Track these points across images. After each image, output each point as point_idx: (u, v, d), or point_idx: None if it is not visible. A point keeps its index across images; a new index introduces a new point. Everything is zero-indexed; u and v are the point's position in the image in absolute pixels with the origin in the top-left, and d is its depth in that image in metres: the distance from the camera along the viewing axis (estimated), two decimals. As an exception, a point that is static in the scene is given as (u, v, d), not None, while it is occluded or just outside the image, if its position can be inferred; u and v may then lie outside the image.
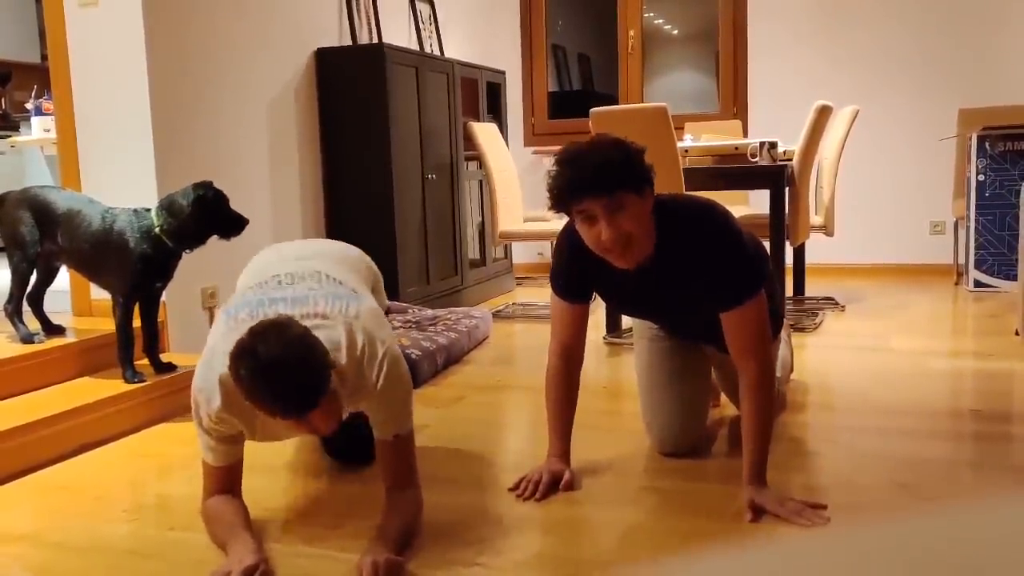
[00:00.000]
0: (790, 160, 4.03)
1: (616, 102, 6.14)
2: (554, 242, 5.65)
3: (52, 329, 3.10)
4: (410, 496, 1.97)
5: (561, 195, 1.90)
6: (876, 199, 5.64)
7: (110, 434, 2.72)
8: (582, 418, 2.65)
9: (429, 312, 4.05)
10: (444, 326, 3.81)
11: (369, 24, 4.85)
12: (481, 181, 5.34)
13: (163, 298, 3.15)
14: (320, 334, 1.79)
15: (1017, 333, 3.69)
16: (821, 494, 2.09)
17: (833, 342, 3.80)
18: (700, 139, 4.40)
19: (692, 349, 2.45)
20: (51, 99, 3.67)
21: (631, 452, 2.45)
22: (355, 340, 1.87)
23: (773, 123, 5.55)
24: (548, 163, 6.41)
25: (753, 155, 3.95)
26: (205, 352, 1.93)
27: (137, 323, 2.92)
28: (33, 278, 3.04)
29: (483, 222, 5.47)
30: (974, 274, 4.86)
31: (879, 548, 0.29)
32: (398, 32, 5.12)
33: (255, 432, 1.92)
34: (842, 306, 4.58)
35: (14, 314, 3.00)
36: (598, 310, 4.11)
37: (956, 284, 5.15)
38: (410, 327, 3.76)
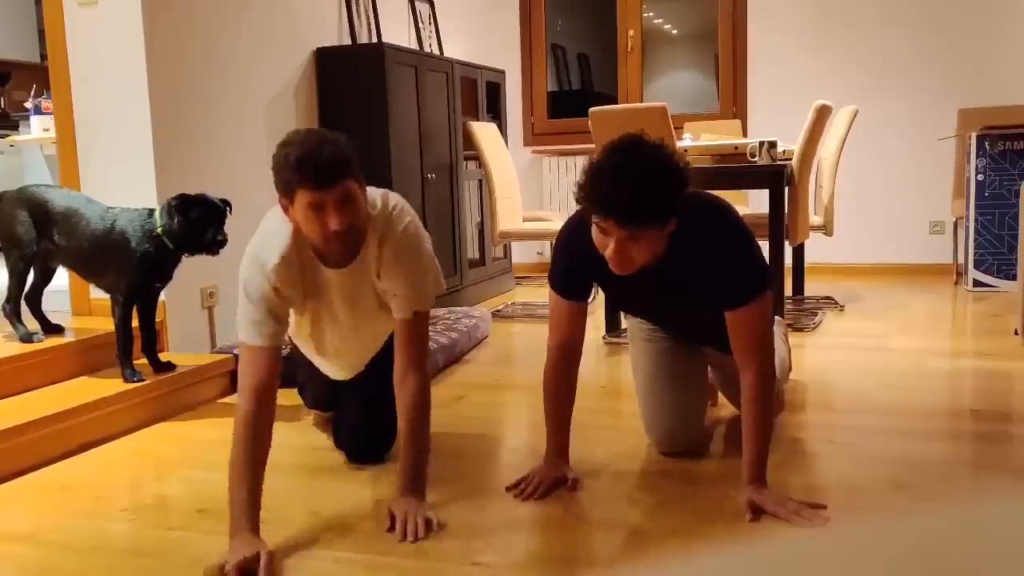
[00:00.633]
0: (789, 160, 4.02)
1: (615, 102, 6.14)
2: (553, 242, 5.64)
3: (51, 328, 3.10)
4: (420, 399, 2.05)
5: (590, 202, 1.87)
6: (875, 199, 5.64)
7: (109, 433, 2.72)
8: (581, 417, 2.65)
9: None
10: (444, 326, 3.81)
11: (369, 24, 4.85)
12: (480, 181, 5.34)
13: (162, 298, 3.15)
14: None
15: (1016, 333, 3.69)
16: (820, 494, 2.09)
17: (832, 342, 3.80)
18: (699, 139, 4.40)
19: (689, 349, 2.45)
20: (50, 98, 3.67)
21: (630, 451, 2.45)
22: (390, 200, 2.08)
23: (772, 123, 5.55)
24: (548, 163, 6.39)
25: (752, 155, 3.94)
26: (258, 235, 2.05)
27: (136, 323, 2.92)
28: (31, 278, 3.04)
29: (482, 221, 5.47)
30: (973, 274, 4.86)
31: (878, 547, 0.29)
32: (398, 32, 5.11)
33: (304, 295, 2.07)
34: (841, 306, 4.58)
35: (13, 314, 3.00)
36: (598, 310, 4.11)
37: (955, 284, 5.16)
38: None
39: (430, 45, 5.42)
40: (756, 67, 5.80)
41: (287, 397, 2.74)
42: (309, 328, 2.26)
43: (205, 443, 2.69)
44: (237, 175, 3.73)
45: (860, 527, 0.31)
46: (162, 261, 2.82)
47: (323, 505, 2.15)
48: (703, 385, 2.52)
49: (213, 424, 2.87)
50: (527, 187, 6.02)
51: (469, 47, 5.93)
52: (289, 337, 2.35)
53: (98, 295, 3.36)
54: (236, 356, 3.24)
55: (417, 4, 5.31)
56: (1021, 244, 3.60)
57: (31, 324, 3.05)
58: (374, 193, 2.08)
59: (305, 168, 1.87)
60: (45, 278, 3.11)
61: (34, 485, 2.37)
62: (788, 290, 4.56)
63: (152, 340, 2.98)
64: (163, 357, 3.03)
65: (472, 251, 5.37)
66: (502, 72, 5.72)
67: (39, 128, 4.87)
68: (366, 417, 2.43)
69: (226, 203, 2.83)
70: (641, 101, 6.07)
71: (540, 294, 5.35)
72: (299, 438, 2.68)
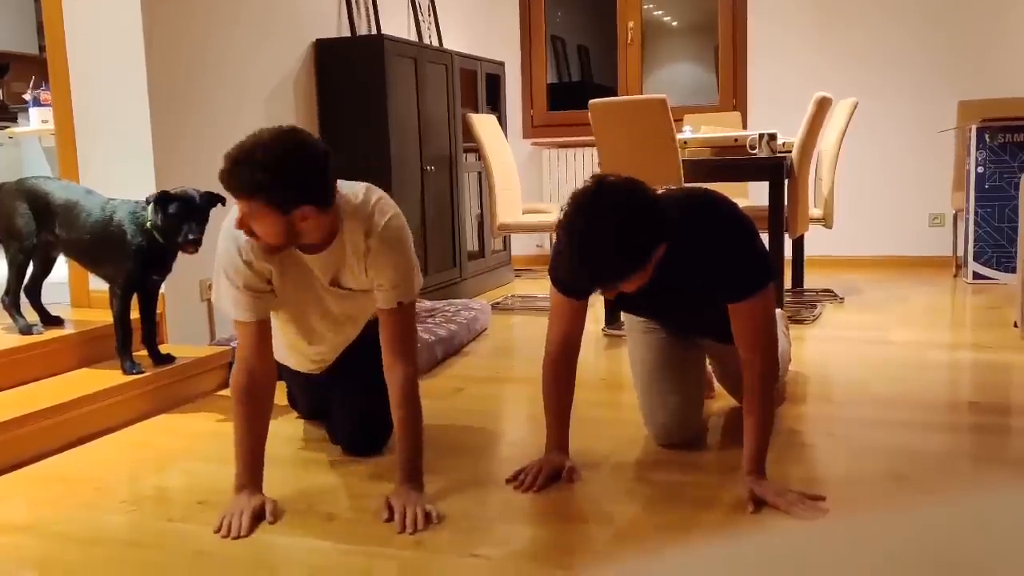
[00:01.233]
0: (789, 152, 4.02)
1: (615, 94, 6.13)
2: (553, 235, 5.64)
3: (50, 320, 3.10)
4: (409, 390, 2.06)
5: (567, 292, 2.07)
6: (875, 191, 5.64)
7: (109, 425, 2.73)
8: (580, 410, 2.66)
9: (427, 304, 4.05)
10: (443, 318, 3.81)
11: (368, 15, 4.84)
12: (480, 173, 5.34)
13: (162, 290, 3.15)
14: (343, 184, 2.05)
15: (1016, 325, 3.69)
16: (819, 486, 2.09)
17: (832, 334, 3.80)
18: (699, 131, 4.39)
19: (686, 341, 2.45)
20: (49, 90, 3.66)
21: (629, 443, 2.45)
22: (372, 194, 2.09)
23: (772, 115, 5.55)
24: (548, 155, 6.39)
25: (752, 147, 3.94)
26: (233, 209, 2.01)
27: (136, 315, 2.92)
28: (30, 270, 3.04)
29: (482, 214, 5.47)
30: (973, 266, 4.86)
31: (876, 538, 0.29)
32: (397, 23, 5.10)
33: (282, 269, 2.08)
34: (841, 298, 4.58)
35: (12, 306, 2.99)
36: (597, 302, 4.11)
37: (955, 276, 5.16)
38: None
39: (429, 37, 5.41)
40: (756, 59, 5.79)
41: (281, 388, 2.75)
42: (293, 310, 2.27)
43: (205, 435, 2.69)
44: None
45: (858, 518, 0.31)
46: (158, 254, 2.80)
47: (320, 497, 2.15)
48: (701, 377, 2.52)
49: (212, 416, 2.88)
50: (526, 179, 6.02)
51: (469, 39, 5.92)
52: None
53: (97, 287, 3.36)
54: (235, 348, 3.24)
55: (416, -4, 5.29)
56: (1021, 237, 3.60)
57: (30, 316, 3.05)
58: (355, 186, 2.11)
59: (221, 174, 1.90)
60: (45, 270, 3.11)
61: (34, 477, 2.37)
62: (788, 282, 4.56)
63: (152, 332, 2.98)
64: (163, 349, 3.03)
65: (471, 243, 5.37)
66: (502, 64, 5.71)
67: (38, 120, 4.86)
68: (360, 411, 2.43)
69: (212, 197, 2.75)
70: (641, 93, 6.06)
71: (539, 286, 5.35)
72: (294, 430, 2.68)
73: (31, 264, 3.01)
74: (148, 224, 2.74)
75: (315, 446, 2.53)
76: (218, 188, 2.07)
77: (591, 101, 3.81)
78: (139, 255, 2.77)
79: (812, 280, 4.98)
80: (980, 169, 4.79)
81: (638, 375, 2.48)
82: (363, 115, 4.27)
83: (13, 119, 6.35)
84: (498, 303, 4.79)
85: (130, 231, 2.76)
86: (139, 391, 2.85)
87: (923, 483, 2.11)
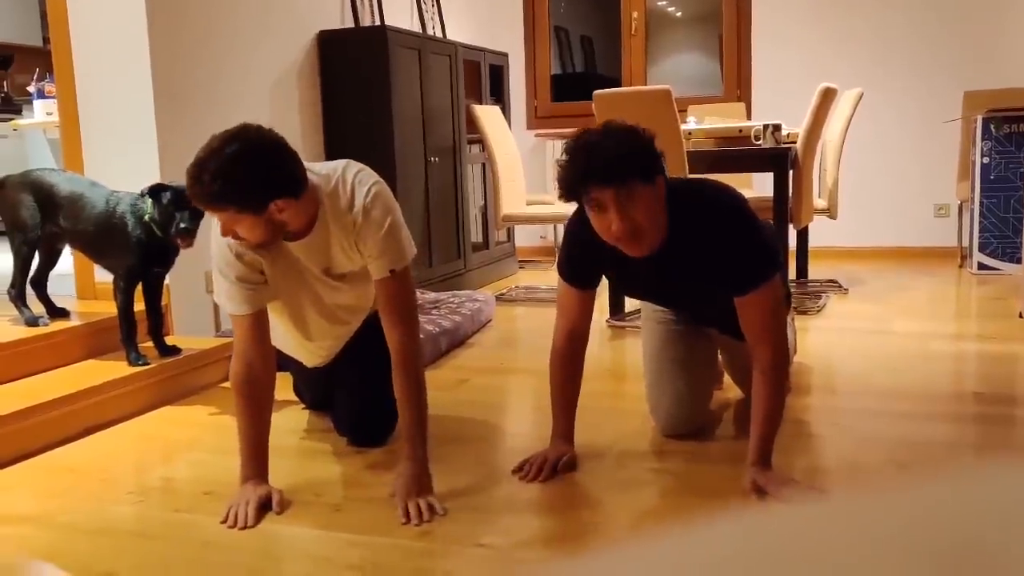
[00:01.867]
0: (794, 143, 4.01)
1: (619, 84, 6.11)
2: (556, 226, 5.64)
3: (56, 312, 3.11)
4: (407, 354, 2.05)
5: (572, 184, 1.90)
6: (880, 182, 5.62)
7: (115, 416, 2.74)
8: (586, 400, 2.66)
9: (432, 295, 4.06)
10: (447, 309, 3.81)
11: (371, 6, 4.83)
12: (484, 164, 5.33)
13: (167, 281, 3.15)
14: (317, 167, 2.06)
15: (1021, 316, 3.69)
16: (822, 476, 2.10)
17: (836, 325, 3.80)
18: (704, 122, 4.39)
19: (699, 333, 2.45)
20: (53, 82, 3.66)
21: (635, 434, 2.45)
22: (351, 170, 2.09)
23: (777, 106, 5.53)
24: (551, 146, 6.38)
25: (757, 138, 3.93)
26: None
27: (141, 307, 2.93)
28: (36, 261, 3.04)
29: (486, 205, 5.46)
30: (978, 257, 4.86)
31: (875, 518, 0.29)
32: (400, 14, 5.09)
33: (272, 260, 2.08)
34: (845, 289, 4.57)
35: (18, 298, 3.00)
36: (602, 293, 4.10)
37: (960, 267, 5.15)
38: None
39: (433, 28, 5.40)
40: (760, 50, 5.78)
41: (285, 380, 2.75)
42: (288, 303, 2.27)
43: (211, 426, 2.70)
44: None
45: (857, 499, 0.31)
46: (158, 246, 2.80)
47: (326, 487, 2.16)
48: (710, 369, 2.53)
49: (218, 407, 2.88)
50: (530, 171, 6.01)
51: (472, 30, 5.91)
52: None
53: (102, 278, 3.36)
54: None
55: (420, -14, 5.28)
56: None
57: (36, 308, 3.05)
58: (332, 165, 2.12)
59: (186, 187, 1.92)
60: (50, 262, 3.11)
61: (41, 468, 2.38)
62: (792, 273, 4.56)
63: (157, 324, 2.99)
64: (168, 341, 3.03)
65: (475, 235, 5.37)
66: (505, 55, 5.69)
67: (42, 112, 4.86)
68: (363, 400, 2.44)
69: None
70: (645, 84, 6.04)
71: (543, 278, 5.35)
72: (300, 421, 2.69)
73: (37, 256, 3.02)
74: (147, 217, 2.74)
75: (321, 437, 2.54)
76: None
77: (595, 92, 3.80)
78: (139, 247, 2.77)
79: (816, 271, 4.97)
80: (985, 159, 4.77)
81: (647, 364, 2.48)
82: (367, 106, 4.27)
83: (17, 111, 6.36)
84: (502, 294, 4.79)
85: (131, 223, 2.77)
86: (145, 382, 2.86)
87: (927, 474, 2.11)
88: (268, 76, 3.95)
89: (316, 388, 2.68)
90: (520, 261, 5.92)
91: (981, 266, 4.85)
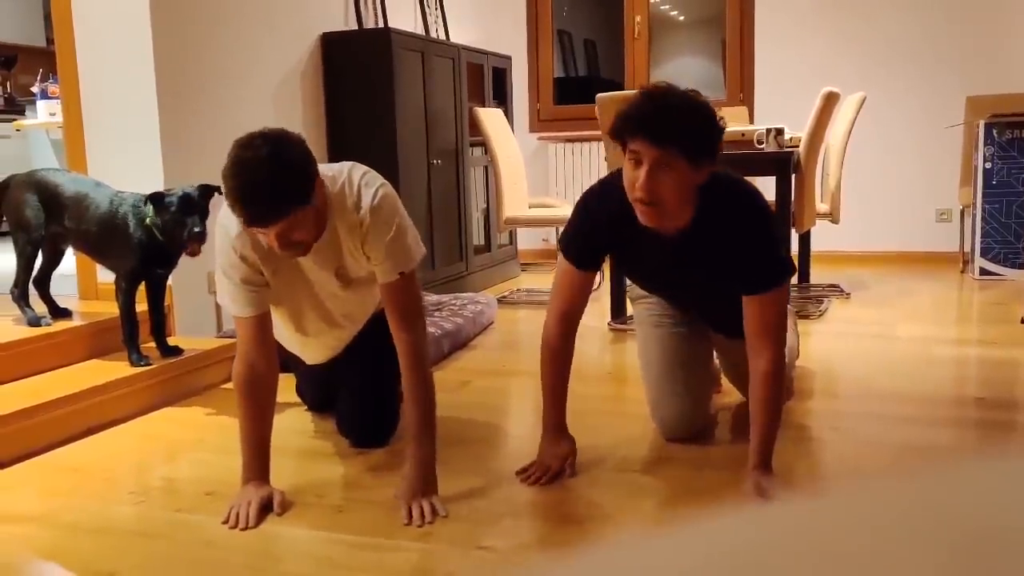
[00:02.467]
0: (796, 147, 4.01)
1: (622, 88, 6.12)
2: (558, 228, 5.63)
3: (59, 312, 3.11)
4: (415, 356, 2.05)
5: (624, 123, 1.88)
6: (882, 186, 5.62)
7: (118, 416, 2.74)
8: (588, 404, 2.66)
9: (434, 297, 4.06)
10: (449, 311, 3.82)
11: (375, 9, 4.84)
12: (486, 167, 5.34)
13: (170, 282, 3.16)
14: (323, 168, 2.02)
15: (1023, 321, 3.69)
16: (824, 480, 2.09)
17: (838, 329, 3.80)
18: (706, 125, 4.38)
19: (695, 335, 2.45)
20: (57, 83, 3.67)
21: (636, 438, 2.45)
22: (356, 172, 2.08)
23: (779, 109, 5.53)
24: (554, 149, 6.38)
25: (759, 141, 3.93)
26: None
27: (144, 307, 2.93)
28: (39, 261, 3.05)
29: (488, 208, 5.47)
30: (980, 262, 4.85)
31: (873, 510, 0.29)
32: (404, 17, 5.10)
33: (274, 266, 2.08)
34: (847, 293, 4.57)
35: (21, 298, 3.01)
36: (603, 297, 4.11)
37: (962, 272, 5.14)
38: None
39: (436, 30, 5.40)
40: (763, 53, 5.78)
41: (287, 381, 2.75)
42: (288, 303, 2.27)
43: (213, 426, 2.70)
44: (243, 160, 3.73)
45: (858, 492, 0.31)
46: (160, 248, 2.80)
47: (328, 489, 2.16)
48: (709, 371, 2.53)
49: (220, 408, 2.89)
50: (533, 173, 6.01)
51: (475, 32, 5.91)
52: None
53: (104, 279, 3.36)
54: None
55: (423, -11, 5.29)
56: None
57: (39, 308, 3.06)
58: (339, 166, 2.10)
59: (237, 211, 1.85)
60: (53, 262, 3.12)
61: (44, 467, 2.39)
62: (794, 278, 4.55)
63: (160, 324, 2.99)
64: (171, 341, 3.04)
65: (478, 237, 5.37)
66: (508, 58, 5.70)
67: (45, 113, 4.87)
68: (367, 402, 2.44)
69: (207, 189, 2.68)
70: (648, 87, 6.03)
71: (545, 280, 5.35)
72: (303, 423, 2.69)
73: (40, 256, 3.02)
74: (148, 221, 2.74)
75: (323, 438, 2.54)
76: (219, 180, 2.08)
77: (599, 95, 3.80)
78: (140, 249, 2.78)
79: (818, 275, 4.97)
80: (988, 165, 4.77)
81: (646, 368, 2.48)
82: (370, 108, 4.28)
83: (21, 112, 6.37)
84: (504, 297, 4.79)
85: (132, 225, 2.77)
86: (147, 383, 2.86)
87: (929, 468, 2.11)
88: (271, 77, 3.95)
89: (318, 389, 2.68)
90: (522, 264, 5.92)
91: (983, 271, 4.85)
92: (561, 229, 2.23)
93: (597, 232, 2.09)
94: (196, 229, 2.66)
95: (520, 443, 2.48)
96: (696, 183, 1.92)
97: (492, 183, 4.97)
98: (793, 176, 3.94)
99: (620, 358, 3.44)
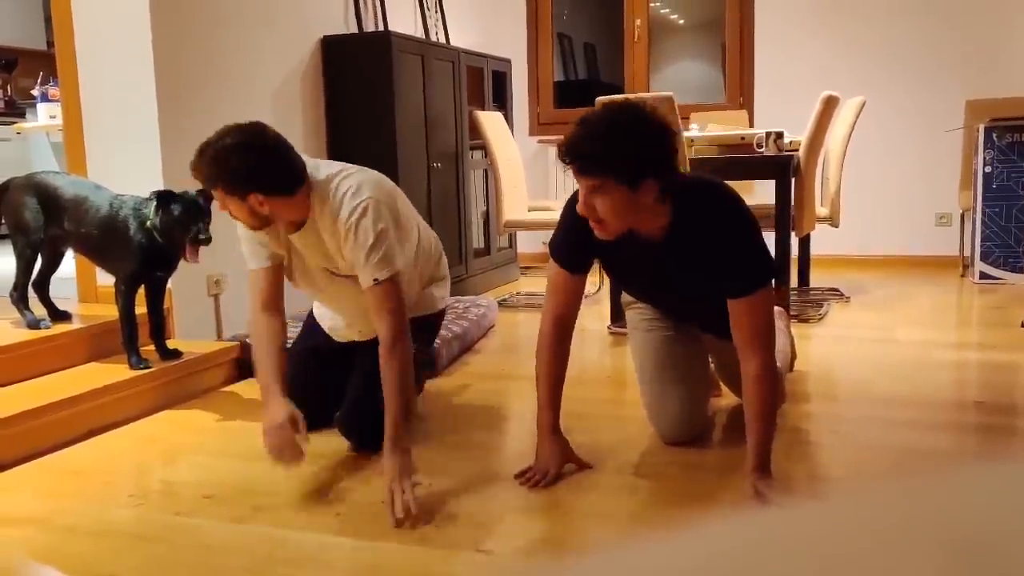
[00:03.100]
0: (796, 151, 4.02)
1: (622, 91, 6.12)
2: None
3: (58, 315, 3.11)
4: (390, 344, 2.16)
5: (560, 151, 1.92)
6: (882, 190, 5.63)
7: (117, 419, 2.74)
8: (587, 407, 2.66)
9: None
10: (454, 315, 3.81)
11: (375, 12, 4.84)
12: (486, 170, 5.34)
13: (169, 285, 3.16)
14: (322, 165, 2.28)
15: (1022, 325, 3.68)
16: (822, 484, 2.09)
17: (837, 333, 3.80)
18: (706, 129, 4.39)
19: (690, 338, 2.45)
20: (57, 86, 3.67)
21: (635, 441, 2.45)
22: (346, 183, 2.22)
23: (779, 113, 5.54)
24: (554, 153, 6.39)
25: (759, 145, 3.94)
26: None
27: (143, 310, 2.93)
28: (39, 264, 3.05)
29: (488, 211, 5.47)
30: (980, 266, 4.85)
31: (873, 515, 0.29)
32: (404, 20, 5.11)
33: (275, 238, 2.32)
34: (847, 297, 4.57)
35: (20, 300, 3.01)
36: (603, 300, 4.11)
37: (962, 276, 5.14)
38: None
39: (436, 34, 5.41)
40: (763, 57, 5.78)
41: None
42: (301, 274, 2.45)
43: (212, 429, 2.70)
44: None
45: (856, 498, 0.31)
46: (160, 251, 2.80)
47: (326, 491, 2.16)
48: (705, 374, 2.52)
49: (219, 411, 2.89)
50: (533, 177, 6.01)
51: (475, 36, 5.92)
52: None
53: (104, 282, 3.37)
54: (242, 344, 3.25)
55: (424, -7, 5.29)
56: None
57: (38, 311, 3.06)
58: (339, 168, 2.28)
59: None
60: (53, 264, 3.12)
61: (43, 470, 2.38)
62: (794, 281, 4.56)
63: (159, 327, 2.99)
64: (170, 344, 3.04)
65: (477, 240, 5.37)
66: (508, 61, 5.71)
67: (45, 115, 4.88)
68: (369, 404, 2.44)
69: (207, 195, 2.68)
70: (647, 91, 6.05)
71: (545, 284, 5.34)
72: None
73: (39, 259, 3.02)
74: (148, 223, 2.74)
75: (324, 441, 2.53)
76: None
77: (598, 99, 3.79)
78: (140, 252, 2.78)
79: (818, 279, 4.97)
80: (988, 168, 4.78)
81: (640, 373, 2.48)
82: (370, 112, 4.28)
83: (21, 115, 6.37)
84: (504, 300, 4.79)
85: (133, 228, 2.77)
86: (147, 386, 2.86)
87: (927, 473, 2.11)
88: (272, 80, 3.96)
89: (298, 388, 2.64)
90: (522, 267, 5.93)
91: (983, 275, 4.85)
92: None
93: (582, 235, 2.09)
94: (203, 236, 2.68)
95: (519, 446, 2.47)
96: (644, 200, 1.91)
97: (492, 186, 4.97)
98: (793, 180, 3.95)
99: (620, 361, 3.44)
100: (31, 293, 3.05)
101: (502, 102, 5.59)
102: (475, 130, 4.66)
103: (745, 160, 3.98)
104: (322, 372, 2.61)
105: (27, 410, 2.48)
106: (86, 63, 3.34)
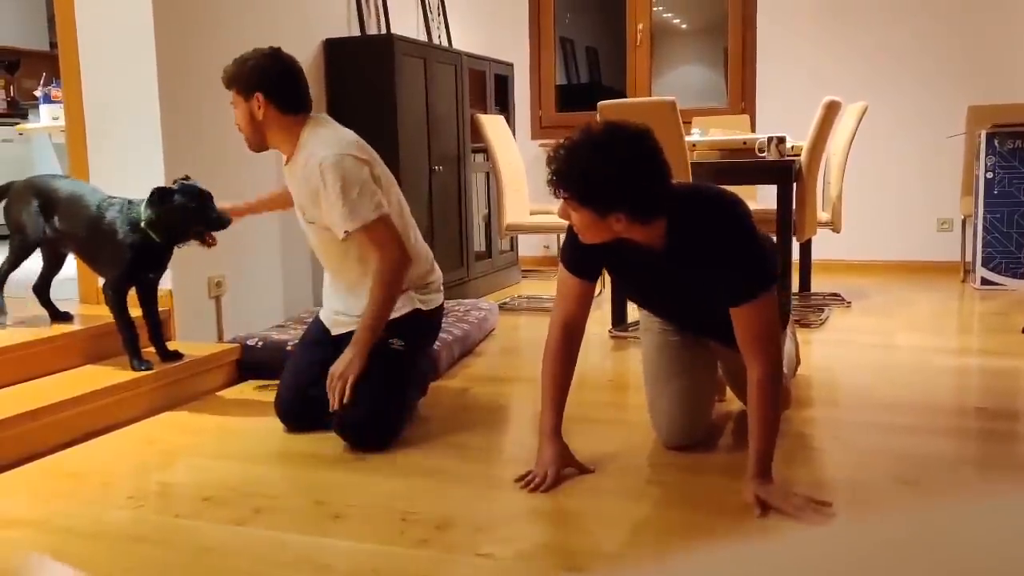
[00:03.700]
0: (798, 156, 4.01)
1: (624, 95, 6.13)
2: (559, 235, 5.61)
3: (59, 316, 3.11)
4: (381, 277, 2.46)
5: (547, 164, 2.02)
6: (883, 196, 5.63)
7: (117, 421, 2.73)
8: (588, 411, 2.66)
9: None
10: (454, 317, 3.81)
11: (378, 15, 4.84)
12: (488, 173, 5.34)
13: (170, 286, 3.16)
14: (322, 123, 2.58)
15: (1023, 331, 3.68)
16: (825, 490, 2.09)
17: (839, 338, 3.80)
18: (708, 133, 4.39)
19: (698, 343, 2.45)
20: (60, 87, 3.67)
21: (636, 445, 2.45)
22: (332, 137, 2.52)
23: (781, 118, 5.54)
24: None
25: (761, 150, 3.94)
26: None
27: (138, 312, 2.93)
28: (41, 267, 3.06)
29: (489, 214, 5.47)
30: (981, 272, 4.85)
31: (881, 543, 0.29)
32: (406, 23, 5.11)
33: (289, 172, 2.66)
34: (848, 302, 4.57)
35: None
36: (604, 304, 4.10)
37: (963, 282, 5.14)
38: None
39: (439, 37, 5.41)
40: (765, 62, 5.79)
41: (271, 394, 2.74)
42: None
43: (211, 432, 2.70)
44: (245, 163, 3.73)
45: (862, 522, 0.31)
46: (151, 252, 2.79)
47: (325, 495, 2.15)
48: (711, 379, 2.52)
49: (219, 413, 2.88)
50: (535, 180, 5.99)
51: (478, 39, 5.92)
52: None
53: (106, 283, 3.37)
54: (244, 346, 3.25)
55: (426, -4, 5.30)
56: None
57: (38, 311, 3.06)
58: (333, 128, 2.58)
59: None
60: (55, 267, 3.11)
61: (41, 472, 2.38)
62: (795, 286, 4.55)
63: (156, 329, 2.98)
64: (171, 346, 3.03)
65: (479, 244, 5.37)
66: (510, 65, 5.71)
67: (48, 117, 4.88)
68: (363, 401, 2.44)
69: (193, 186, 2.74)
70: (649, 95, 6.05)
71: (546, 287, 5.35)
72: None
73: (42, 261, 3.03)
74: (143, 223, 2.73)
75: (321, 444, 2.53)
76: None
77: (600, 103, 3.81)
78: (131, 252, 2.76)
79: (819, 284, 4.97)
80: (989, 175, 4.77)
81: (647, 376, 2.48)
82: (372, 114, 4.28)
83: (24, 115, 6.38)
84: (505, 303, 4.79)
85: (122, 230, 2.75)
86: (147, 387, 2.86)
87: (929, 488, 2.10)
88: (274, 83, 3.95)
89: (296, 390, 2.64)
90: (523, 270, 5.92)
91: (984, 281, 4.84)
92: (563, 236, 2.25)
93: (587, 244, 2.11)
94: (215, 215, 2.73)
95: (520, 450, 2.47)
96: (615, 227, 1.95)
97: (493, 189, 4.97)
98: (794, 185, 3.94)
99: (621, 365, 3.44)
100: (30, 295, 3.06)
101: (504, 105, 5.59)
102: (477, 133, 4.65)
103: (747, 165, 3.98)
104: (319, 372, 2.61)
105: (27, 411, 2.48)
106: (89, 64, 3.34)
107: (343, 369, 2.43)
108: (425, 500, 2.08)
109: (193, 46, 3.46)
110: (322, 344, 2.69)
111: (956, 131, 5.27)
